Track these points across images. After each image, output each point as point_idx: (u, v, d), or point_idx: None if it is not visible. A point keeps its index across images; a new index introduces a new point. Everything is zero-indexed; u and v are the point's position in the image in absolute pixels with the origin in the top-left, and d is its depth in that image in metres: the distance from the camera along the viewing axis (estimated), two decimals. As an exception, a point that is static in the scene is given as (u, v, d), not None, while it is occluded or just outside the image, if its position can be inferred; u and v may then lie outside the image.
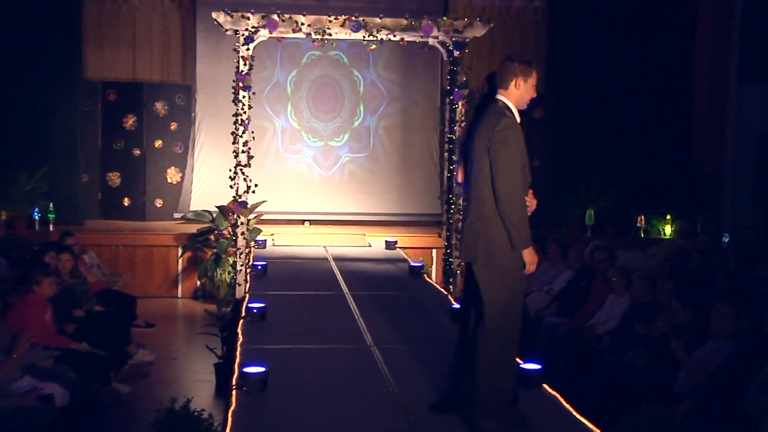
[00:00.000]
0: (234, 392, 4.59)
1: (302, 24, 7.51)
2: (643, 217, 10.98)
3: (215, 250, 9.97)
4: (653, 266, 8.30)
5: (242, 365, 4.82)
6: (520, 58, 4.22)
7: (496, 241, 4.06)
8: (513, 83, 4.17)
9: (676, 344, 5.36)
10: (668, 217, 11.05)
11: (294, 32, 7.57)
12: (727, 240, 9.59)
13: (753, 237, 10.45)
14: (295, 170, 11.80)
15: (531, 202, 4.19)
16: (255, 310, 6.23)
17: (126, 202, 11.62)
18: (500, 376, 4.13)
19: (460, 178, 4.41)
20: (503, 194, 4.01)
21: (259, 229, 10.15)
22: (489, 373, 4.10)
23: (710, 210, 11.19)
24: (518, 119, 4.19)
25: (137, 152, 11.62)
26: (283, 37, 7.76)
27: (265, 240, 9.80)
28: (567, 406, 4.59)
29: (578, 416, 4.46)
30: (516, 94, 4.19)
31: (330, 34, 7.64)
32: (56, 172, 10.91)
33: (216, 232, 10.19)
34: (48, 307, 6.47)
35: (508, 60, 4.24)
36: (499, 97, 4.20)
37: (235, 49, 7.56)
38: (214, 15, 7.46)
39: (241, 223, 7.61)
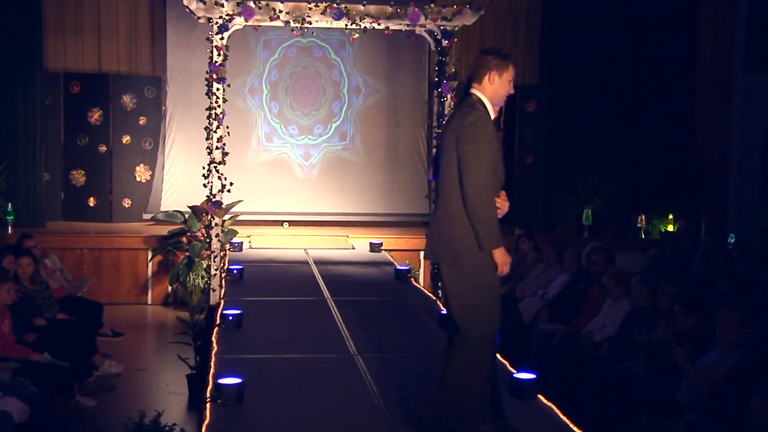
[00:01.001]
0: (208, 405, 4.59)
1: (280, 11, 7.50)
2: (643, 216, 11.04)
3: (188, 254, 9.94)
4: (650, 264, 8.37)
5: (217, 376, 4.82)
6: (496, 51, 4.25)
7: (461, 240, 4.13)
8: (487, 78, 4.21)
9: (678, 352, 5.39)
10: (670, 216, 11.11)
11: (271, 20, 7.55)
12: (732, 241, 9.66)
13: (759, 238, 10.53)
14: (274, 168, 11.79)
15: (502, 204, 4.23)
16: (230, 318, 6.23)
17: (91, 202, 11.57)
18: (469, 383, 4.16)
19: (431, 174, 4.50)
20: (470, 192, 4.06)
21: (234, 230, 10.12)
22: (457, 379, 4.15)
23: (714, 208, 11.27)
24: (493, 115, 4.22)
25: (103, 149, 11.56)
26: (259, 26, 7.75)
27: (242, 242, 9.79)
28: (563, 417, 4.62)
29: (575, 428, 4.48)
30: (490, 89, 4.22)
31: (310, 23, 7.64)
32: (15, 170, 10.84)
33: (188, 234, 10.17)
34: (6, 315, 6.43)
35: (482, 53, 4.29)
36: (473, 91, 4.24)
37: (208, 39, 7.54)
38: (185, 2, 7.44)
39: (216, 225, 7.60)
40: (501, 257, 4.14)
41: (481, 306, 4.13)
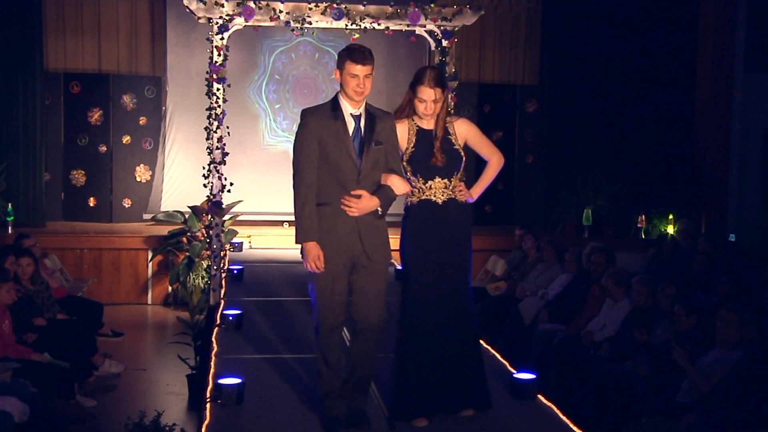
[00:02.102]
0: (208, 405, 4.59)
1: (280, 12, 7.50)
2: (644, 216, 11.03)
3: (188, 254, 9.93)
4: (648, 265, 8.37)
5: (217, 376, 4.82)
6: (345, 48, 4.42)
7: None
8: (336, 74, 4.43)
9: (679, 353, 5.39)
10: (671, 216, 11.10)
11: (271, 20, 7.55)
12: (733, 241, 9.66)
13: (760, 237, 10.54)
14: (274, 168, 11.77)
15: (353, 203, 4.32)
16: (230, 318, 6.23)
17: (91, 202, 11.56)
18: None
19: None
20: (293, 182, 4.41)
21: (234, 230, 10.12)
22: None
23: (714, 208, 11.27)
24: (347, 111, 4.35)
25: (103, 149, 11.56)
26: (259, 26, 7.75)
27: (242, 242, 9.79)
28: (563, 418, 4.61)
29: (575, 428, 4.48)
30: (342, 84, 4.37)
31: (310, 23, 7.63)
32: (15, 170, 10.84)
33: (188, 234, 10.16)
34: (6, 315, 6.43)
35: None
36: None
37: (208, 39, 7.54)
38: (185, 2, 7.43)
39: (216, 225, 7.60)
40: (306, 253, 4.32)
41: (318, 296, 4.37)
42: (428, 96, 4.43)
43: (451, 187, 4.52)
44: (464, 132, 4.58)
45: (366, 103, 4.41)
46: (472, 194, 4.60)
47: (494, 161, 4.67)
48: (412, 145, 4.52)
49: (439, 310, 4.49)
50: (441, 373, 4.48)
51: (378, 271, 4.42)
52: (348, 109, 4.35)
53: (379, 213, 4.40)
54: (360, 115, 4.37)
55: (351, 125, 4.35)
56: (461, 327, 4.54)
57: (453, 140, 4.52)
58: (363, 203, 4.32)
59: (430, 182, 4.51)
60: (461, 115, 4.72)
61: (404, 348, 4.50)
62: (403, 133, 4.53)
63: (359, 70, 4.26)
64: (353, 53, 4.28)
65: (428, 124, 4.54)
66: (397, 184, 4.43)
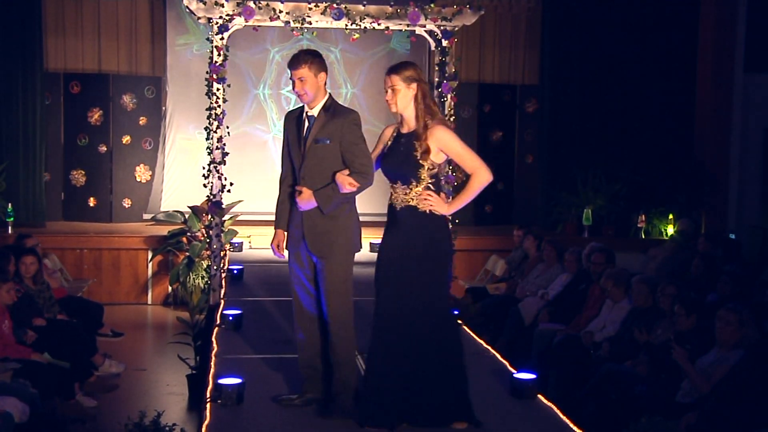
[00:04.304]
0: (208, 405, 4.59)
1: (280, 11, 7.50)
2: (643, 216, 11.03)
3: (188, 254, 9.93)
4: (653, 271, 8.35)
5: (217, 376, 4.82)
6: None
7: None
8: None
9: (679, 353, 5.39)
10: (670, 216, 11.11)
11: (271, 20, 7.55)
12: (732, 238, 9.66)
13: (760, 237, 10.53)
14: (274, 169, 11.77)
15: (297, 198, 4.59)
16: (230, 318, 6.23)
17: (91, 202, 11.56)
18: None
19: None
20: None
21: (234, 230, 10.12)
22: None
23: (714, 208, 11.27)
24: (306, 112, 4.64)
25: (103, 149, 11.55)
26: (259, 26, 7.75)
27: (242, 242, 9.78)
28: (563, 418, 4.61)
29: (575, 428, 4.48)
30: None
31: (310, 23, 7.63)
32: (15, 170, 10.83)
33: (188, 234, 10.16)
34: (6, 315, 6.43)
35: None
36: None
37: (208, 39, 7.54)
38: (185, 2, 7.43)
39: (216, 225, 7.59)
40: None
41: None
42: (385, 83, 4.47)
43: (411, 195, 4.39)
44: (437, 140, 4.35)
45: (331, 102, 4.61)
46: (448, 209, 4.42)
47: (476, 176, 4.38)
48: (387, 147, 4.55)
49: (407, 321, 4.36)
50: (411, 384, 4.34)
51: (326, 269, 4.56)
52: (306, 110, 4.63)
53: (322, 211, 4.53)
54: (314, 115, 4.57)
55: (306, 125, 4.59)
56: (434, 339, 4.37)
57: (417, 146, 4.36)
58: (302, 199, 4.53)
59: (394, 186, 4.48)
60: (444, 122, 4.49)
61: (371, 355, 4.45)
62: (387, 134, 4.59)
63: (293, 74, 4.55)
64: (290, 59, 4.60)
65: (407, 127, 4.48)
66: (341, 181, 4.48)
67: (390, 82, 4.43)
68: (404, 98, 4.42)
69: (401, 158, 4.41)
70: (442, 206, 4.39)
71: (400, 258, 4.40)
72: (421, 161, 4.35)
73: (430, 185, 4.38)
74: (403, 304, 4.37)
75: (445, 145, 4.36)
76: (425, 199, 4.36)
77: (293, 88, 4.59)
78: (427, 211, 4.37)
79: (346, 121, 4.53)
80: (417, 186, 4.37)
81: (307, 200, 4.52)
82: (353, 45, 10.02)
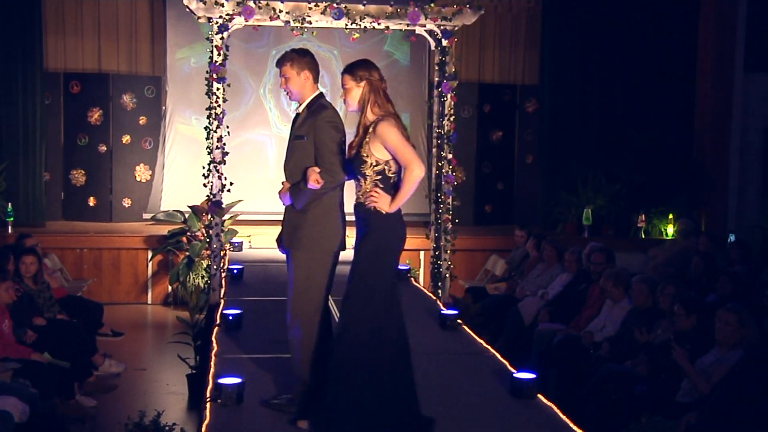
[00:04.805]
0: (208, 405, 4.59)
1: (280, 11, 7.49)
2: (643, 216, 11.03)
3: (188, 253, 9.93)
4: (652, 271, 8.36)
5: (217, 376, 4.82)
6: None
7: None
8: None
9: (679, 353, 5.39)
10: (670, 216, 11.11)
11: (271, 20, 7.54)
12: (732, 240, 9.66)
13: (760, 237, 10.53)
14: (274, 168, 11.77)
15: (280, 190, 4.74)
16: (230, 318, 6.22)
17: (91, 202, 11.56)
18: None
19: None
20: None
21: (234, 230, 10.12)
22: None
23: (714, 208, 11.27)
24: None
25: (103, 148, 11.55)
26: (259, 25, 7.75)
27: (242, 242, 9.78)
28: (563, 417, 4.61)
29: (575, 428, 4.48)
30: None
31: (310, 23, 7.63)
32: (15, 170, 10.84)
33: (188, 233, 10.16)
34: (6, 315, 6.42)
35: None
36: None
37: (208, 38, 7.54)
38: (185, 1, 7.43)
39: (216, 224, 7.59)
40: None
41: None
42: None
43: (360, 192, 4.34)
44: (378, 135, 4.27)
45: (316, 100, 4.69)
46: (390, 206, 4.28)
47: (408, 171, 4.23)
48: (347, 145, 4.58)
49: (353, 321, 4.25)
50: (362, 391, 4.18)
51: (292, 263, 4.65)
52: (297, 107, 4.77)
53: (294, 206, 4.62)
54: (299, 113, 4.72)
55: (295, 122, 4.76)
56: (382, 345, 4.24)
57: (364, 142, 4.30)
58: (281, 193, 4.66)
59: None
60: (390, 117, 4.33)
61: (330, 361, 4.32)
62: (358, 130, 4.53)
63: (280, 72, 4.68)
64: (278, 58, 4.73)
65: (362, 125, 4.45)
66: (309, 177, 4.51)
67: (342, 81, 4.44)
68: (355, 96, 4.40)
69: (353, 156, 4.39)
70: (384, 204, 4.29)
71: (354, 255, 4.37)
72: (365, 158, 4.30)
73: (377, 182, 4.30)
74: (349, 305, 4.27)
75: (384, 139, 4.26)
76: (371, 196, 4.30)
77: (281, 86, 4.72)
78: (372, 208, 4.31)
79: (318, 118, 4.58)
80: (365, 183, 4.32)
81: (284, 194, 4.65)
82: (352, 44, 10.03)
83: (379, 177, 4.30)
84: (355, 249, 4.37)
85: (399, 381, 4.25)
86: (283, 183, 4.68)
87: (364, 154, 4.29)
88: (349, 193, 4.50)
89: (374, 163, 4.29)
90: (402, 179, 4.27)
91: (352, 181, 4.44)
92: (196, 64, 11.34)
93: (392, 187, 4.30)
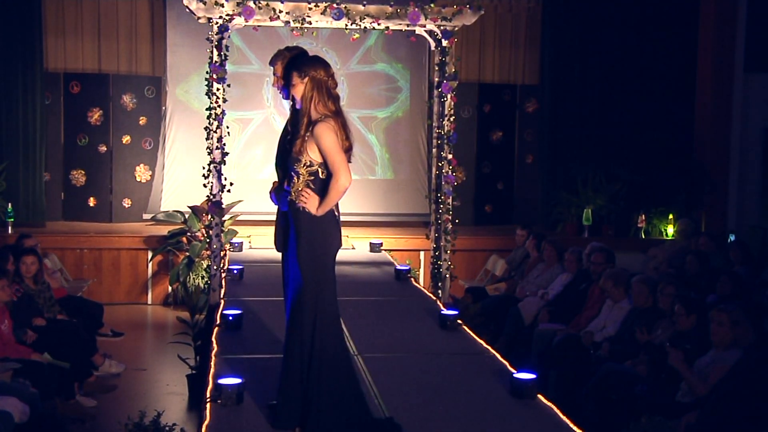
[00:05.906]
0: (208, 405, 4.58)
1: (280, 11, 7.49)
2: (643, 216, 11.04)
3: (188, 254, 9.93)
4: (652, 271, 8.36)
5: (217, 376, 4.81)
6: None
7: None
8: None
9: (674, 355, 5.38)
10: (670, 216, 11.11)
11: (271, 20, 7.54)
12: (732, 240, 9.66)
13: (760, 237, 10.53)
14: (273, 168, 11.76)
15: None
16: (230, 318, 6.22)
17: (91, 202, 11.56)
18: None
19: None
20: None
21: (234, 230, 10.12)
22: None
23: (714, 208, 11.27)
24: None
25: (103, 149, 11.56)
26: (259, 26, 7.75)
27: (242, 242, 9.78)
28: (563, 417, 4.61)
29: (575, 428, 4.48)
30: None
31: (310, 23, 7.63)
32: (15, 170, 10.84)
33: (188, 234, 10.16)
34: (6, 315, 6.43)
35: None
36: None
37: (208, 38, 7.54)
38: (185, 2, 7.42)
39: (216, 225, 7.59)
40: None
41: None
42: None
43: (293, 190, 4.29)
44: (315, 136, 4.22)
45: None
46: (318, 211, 4.24)
47: (334, 179, 4.20)
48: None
49: (291, 319, 4.32)
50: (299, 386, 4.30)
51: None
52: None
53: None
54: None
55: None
56: (299, 343, 4.29)
57: (300, 142, 4.24)
58: (271, 192, 4.63)
59: None
60: (329, 119, 4.25)
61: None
62: None
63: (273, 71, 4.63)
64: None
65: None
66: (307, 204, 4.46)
67: (288, 76, 4.39)
68: (299, 93, 4.32)
69: (288, 153, 4.35)
70: (312, 207, 4.25)
71: (290, 259, 4.37)
72: (298, 156, 4.25)
73: (309, 182, 4.25)
74: (289, 305, 4.35)
75: (319, 141, 4.20)
76: (302, 195, 4.27)
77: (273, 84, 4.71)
78: (301, 208, 4.27)
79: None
80: (298, 181, 4.27)
81: (274, 193, 4.66)
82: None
83: (312, 178, 4.25)
84: (289, 253, 4.34)
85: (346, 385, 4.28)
86: (273, 183, 4.64)
87: (300, 153, 4.24)
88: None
89: (308, 163, 4.24)
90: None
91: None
92: (196, 64, 11.34)
93: (323, 190, 4.24)
